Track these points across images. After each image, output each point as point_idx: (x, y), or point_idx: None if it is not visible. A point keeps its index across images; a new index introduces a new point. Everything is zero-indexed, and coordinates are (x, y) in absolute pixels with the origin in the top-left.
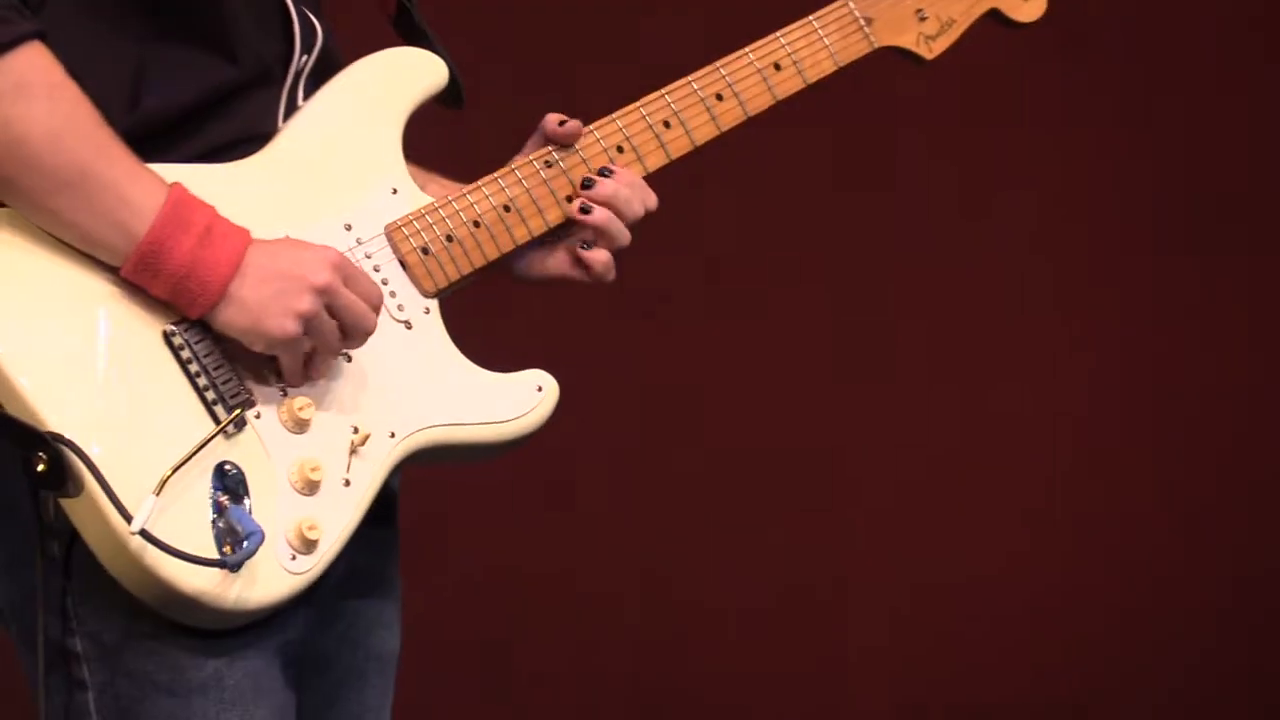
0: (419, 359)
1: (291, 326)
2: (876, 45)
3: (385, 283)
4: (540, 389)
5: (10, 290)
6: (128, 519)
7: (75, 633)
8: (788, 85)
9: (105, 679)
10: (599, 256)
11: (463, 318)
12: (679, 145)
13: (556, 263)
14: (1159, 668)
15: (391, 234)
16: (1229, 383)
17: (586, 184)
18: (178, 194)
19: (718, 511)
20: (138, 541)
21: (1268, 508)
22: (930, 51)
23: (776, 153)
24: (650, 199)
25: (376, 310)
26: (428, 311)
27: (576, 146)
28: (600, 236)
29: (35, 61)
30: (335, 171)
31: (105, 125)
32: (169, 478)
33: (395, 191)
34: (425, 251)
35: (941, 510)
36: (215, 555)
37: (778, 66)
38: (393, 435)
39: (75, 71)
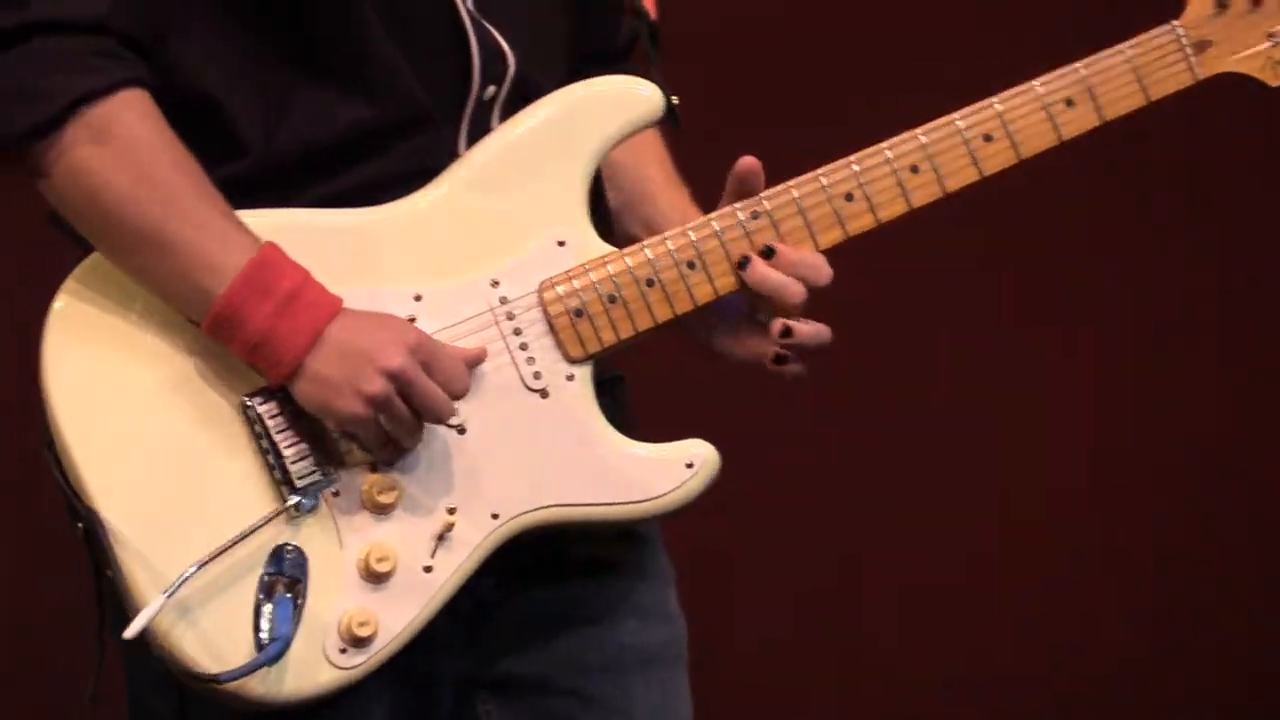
0: (548, 431)
1: (360, 409)
2: (1201, 76)
3: (524, 347)
4: (690, 465)
5: (84, 349)
6: (133, 616)
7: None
8: (1080, 122)
9: None
10: (800, 329)
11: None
12: (927, 192)
13: (760, 344)
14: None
15: (543, 292)
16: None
17: (742, 264)
18: (265, 255)
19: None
20: (149, 633)
21: None
22: (1276, 77)
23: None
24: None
25: (457, 396)
26: (571, 379)
27: (794, 198)
28: (776, 299)
29: (123, 111)
30: (496, 219)
31: (198, 177)
32: (187, 577)
33: (562, 244)
34: (578, 314)
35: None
36: (248, 649)
37: (1070, 103)
38: (495, 517)
39: (207, 100)
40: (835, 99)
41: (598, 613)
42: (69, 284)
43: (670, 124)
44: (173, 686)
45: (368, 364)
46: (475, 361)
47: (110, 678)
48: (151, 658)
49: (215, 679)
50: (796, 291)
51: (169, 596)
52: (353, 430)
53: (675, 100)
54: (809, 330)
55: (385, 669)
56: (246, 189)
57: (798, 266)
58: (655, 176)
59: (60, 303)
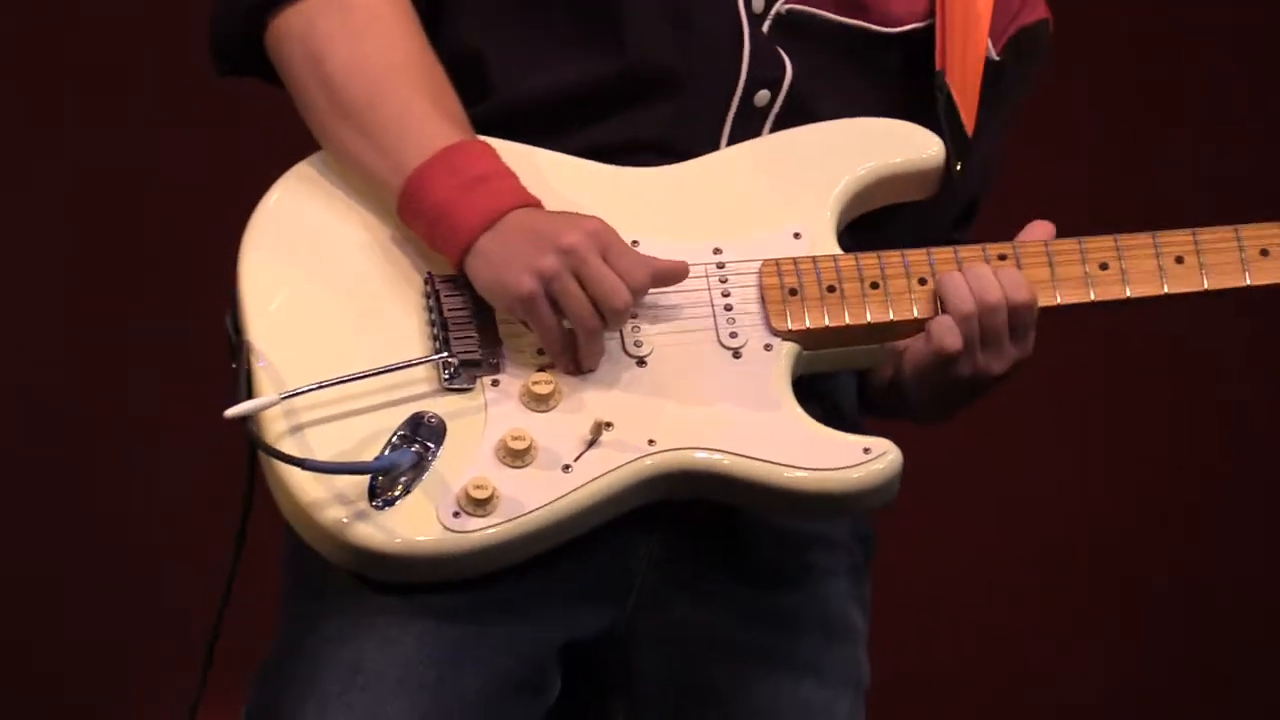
0: (731, 385)
1: (529, 283)
2: None
3: (729, 308)
4: (868, 450)
5: (289, 209)
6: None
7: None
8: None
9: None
10: (938, 319)
11: None
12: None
13: (917, 348)
14: None
15: (763, 266)
16: None
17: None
18: (466, 143)
19: None
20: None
21: None
22: None
23: None
24: (1020, 294)
25: (638, 292)
26: (769, 348)
27: (1045, 248)
28: (941, 296)
29: None
30: (739, 202)
31: (426, 65)
32: (307, 390)
33: (798, 236)
34: (792, 292)
35: None
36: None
37: (1264, 253)
38: (651, 442)
39: (469, 51)
40: None
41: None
42: (302, 163)
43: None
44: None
45: (543, 240)
46: (668, 275)
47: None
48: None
49: (301, 463)
50: (965, 299)
51: (284, 397)
52: (522, 309)
53: (959, 168)
54: (940, 325)
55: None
56: (488, 131)
57: (1004, 274)
58: None
59: (290, 174)
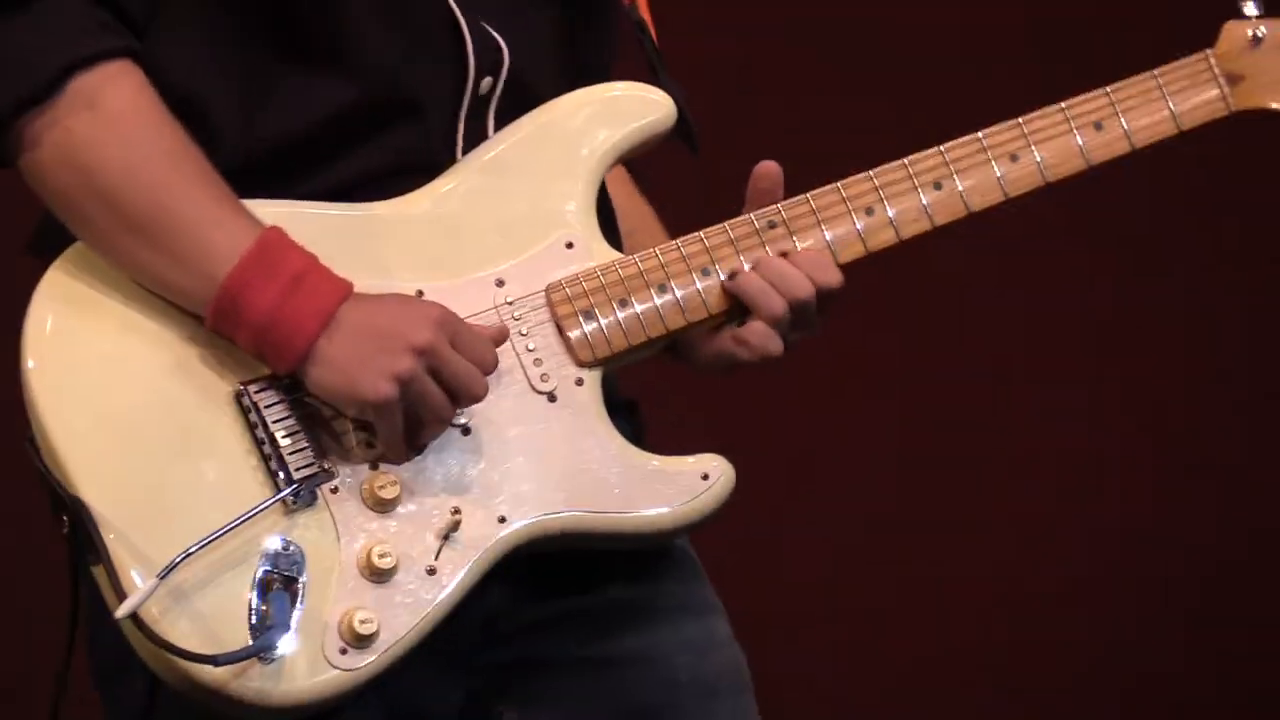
0: (558, 436)
1: (386, 389)
2: (1235, 108)
3: (531, 349)
4: (706, 478)
5: (69, 338)
6: (120, 599)
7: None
8: (1109, 148)
9: None
10: (751, 327)
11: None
12: (949, 210)
13: (721, 341)
14: None
15: (551, 293)
16: None
17: (731, 276)
18: (270, 238)
19: None
20: (139, 619)
21: None
22: None
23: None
24: (827, 277)
25: (488, 372)
26: (580, 383)
27: (812, 209)
28: (749, 303)
29: (117, 83)
30: (500, 219)
31: (194, 157)
32: (178, 561)
33: (570, 245)
34: (587, 316)
35: None
36: (243, 641)
37: (1099, 126)
38: (502, 520)
39: (187, 92)
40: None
41: (643, 647)
42: (58, 264)
43: (685, 142)
44: (145, 690)
45: (393, 340)
46: (498, 340)
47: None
48: (125, 661)
49: (212, 660)
50: (776, 303)
51: (162, 578)
52: (375, 416)
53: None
54: (757, 335)
55: (380, 692)
56: (230, 183)
57: (805, 261)
58: (642, 224)
59: (45, 285)
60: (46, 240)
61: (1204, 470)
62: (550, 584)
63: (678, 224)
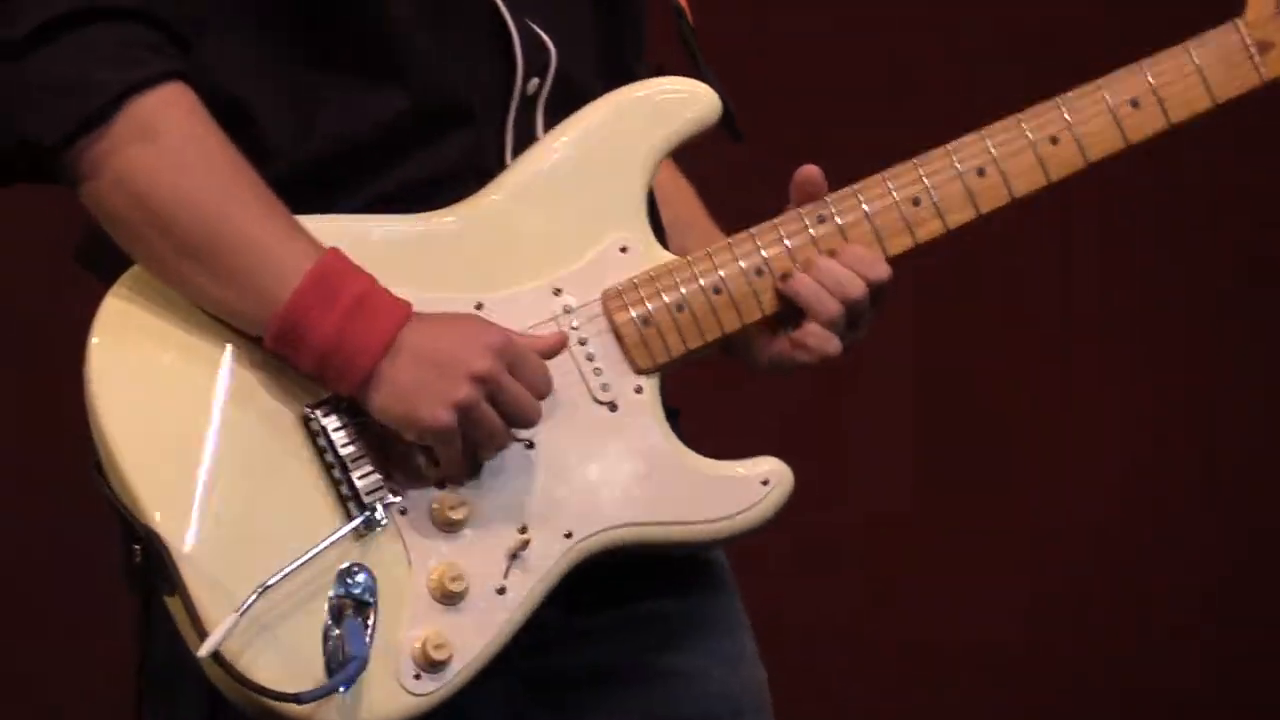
0: (620, 446)
1: (445, 417)
2: (1268, 77)
3: (591, 358)
4: (766, 483)
5: (133, 358)
6: (202, 637)
7: None
8: (1146, 125)
9: None
10: (808, 329)
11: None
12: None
13: (779, 344)
14: None
15: (608, 301)
16: None
17: (784, 277)
18: (328, 260)
19: None
20: (219, 655)
21: None
22: None
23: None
24: (876, 271)
25: (542, 397)
26: (639, 391)
27: (860, 203)
28: (805, 307)
29: (169, 106)
30: (555, 224)
31: (249, 179)
32: (257, 596)
33: (625, 250)
34: (645, 322)
35: None
36: (320, 671)
37: (1135, 104)
38: (569, 535)
39: (234, 95)
40: (878, 105)
41: (680, 661)
42: (116, 290)
43: (729, 132)
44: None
45: (453, 368)
46: (551, 352)
47: None
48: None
49: (296, 698)
50: (831, 306)
51: (242, 614)
52: (435, 441)
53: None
54: (815, 337)
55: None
56: (280, 194)
57: (855, 261)
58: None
59: (104, 312)
60: (94, 251)
61: (1220, 470)
62: (593, 592)
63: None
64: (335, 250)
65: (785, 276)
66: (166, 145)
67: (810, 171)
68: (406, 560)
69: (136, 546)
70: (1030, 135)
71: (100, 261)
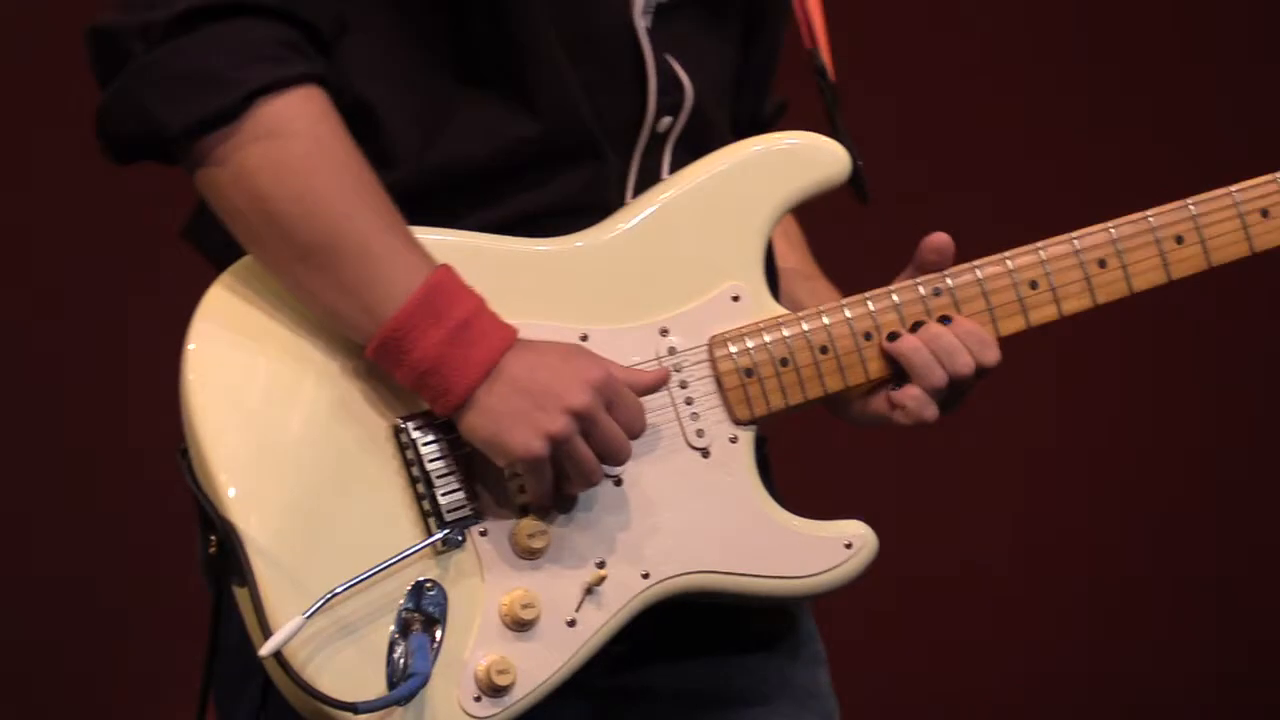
0: (708, 492)
1: (537, 447)
2: None
3: (690, 402)
4: (850, 546)
5: (231, 350)
6: (266, 635)
7: None
8: (1275, 235)
9: None
10: (908, 392)
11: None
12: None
13: (877, 403)
14: None
15: (714, 348)
16: None
17: (891, 337)
18: (439, 278)
19: None
20: (282, 655)
21: None
22: None
23: None
24: (987, 355)
25: (637, 436)
26: (734, 440)
27: (978, 279)
28: (910, 371)
29: (300, 109)
30: (671, 266)
31: (373, 189)
32: (325, 601)
33: (737, 299)
34: (748, 373)
35: None
36: (380, 682)
37: (1265, 214)
38: (645, 576)
39: (364, 98)
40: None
41: (750, 693)
42: (224, 279)
43: (856, 192)
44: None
45: (551, 400)
46: (651, 390)
47: None
48: (260, 686)
49: (353, 708)
50: (938, 375)
51: (308, 618)
52: (525, 469)
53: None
54: (914, 400)
55: None
56: (399, 204)
57: (968, 336)
58: (796, 260)
59: (209, 301)
60: (202, 229)
61: (1214, 471)
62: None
63: None
64: (447, 267)
65: (893, 336)
66: (292, 149)
67: (940, 239)
68: (481, 581)
69: (213, 537)
70: (1156, 233)
71: (208, 240)
